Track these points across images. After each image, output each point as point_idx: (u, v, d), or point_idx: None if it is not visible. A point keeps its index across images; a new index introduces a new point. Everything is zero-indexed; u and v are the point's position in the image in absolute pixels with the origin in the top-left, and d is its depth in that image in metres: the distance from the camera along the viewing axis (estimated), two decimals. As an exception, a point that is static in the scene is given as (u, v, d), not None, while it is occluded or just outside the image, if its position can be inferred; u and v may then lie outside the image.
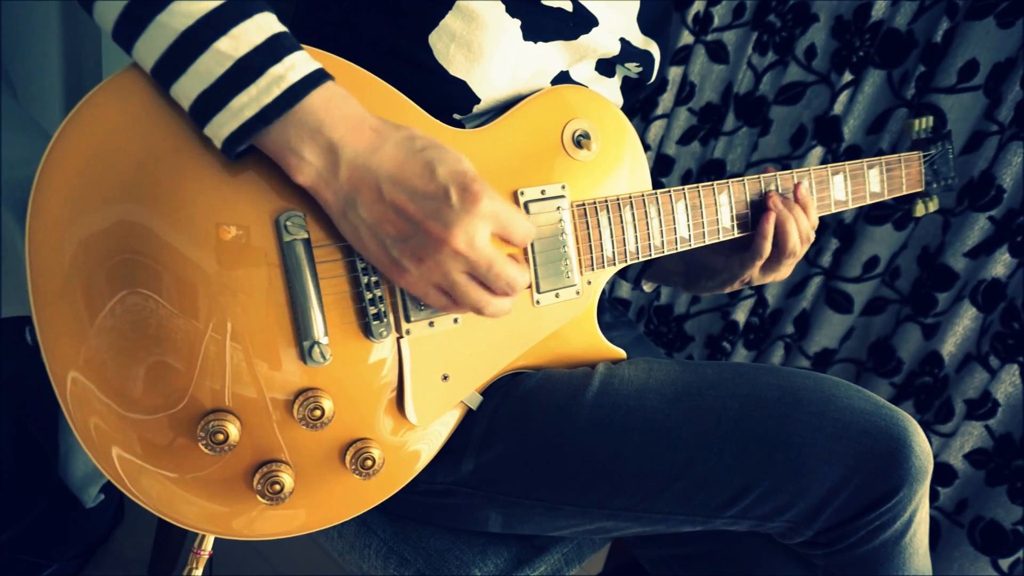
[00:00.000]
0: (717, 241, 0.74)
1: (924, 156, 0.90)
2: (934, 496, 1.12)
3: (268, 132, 0.48)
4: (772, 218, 0.72)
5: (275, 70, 0.47)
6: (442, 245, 0.48)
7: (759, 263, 0.73)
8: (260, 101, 0.47)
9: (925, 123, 0.91)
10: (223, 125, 0.47)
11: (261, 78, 0.47)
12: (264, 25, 0.48)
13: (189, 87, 0.47)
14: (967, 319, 1.07)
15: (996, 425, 1.06)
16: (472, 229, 0.48)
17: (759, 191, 0.75)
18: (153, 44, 0.47)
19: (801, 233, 0.73)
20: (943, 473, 1.11)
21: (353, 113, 0.50)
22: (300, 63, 0.48)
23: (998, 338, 1.04)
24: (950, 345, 1.09)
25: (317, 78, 0.48)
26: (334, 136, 0.48)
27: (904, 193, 0.88)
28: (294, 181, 0.50)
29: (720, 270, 0.78)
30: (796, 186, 0.75)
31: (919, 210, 0.93)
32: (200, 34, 0.46)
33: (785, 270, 0.75)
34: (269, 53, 0.47)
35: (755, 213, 0.75)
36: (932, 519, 1.12)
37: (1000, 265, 1.03)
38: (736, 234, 0.74)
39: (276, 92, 0.47)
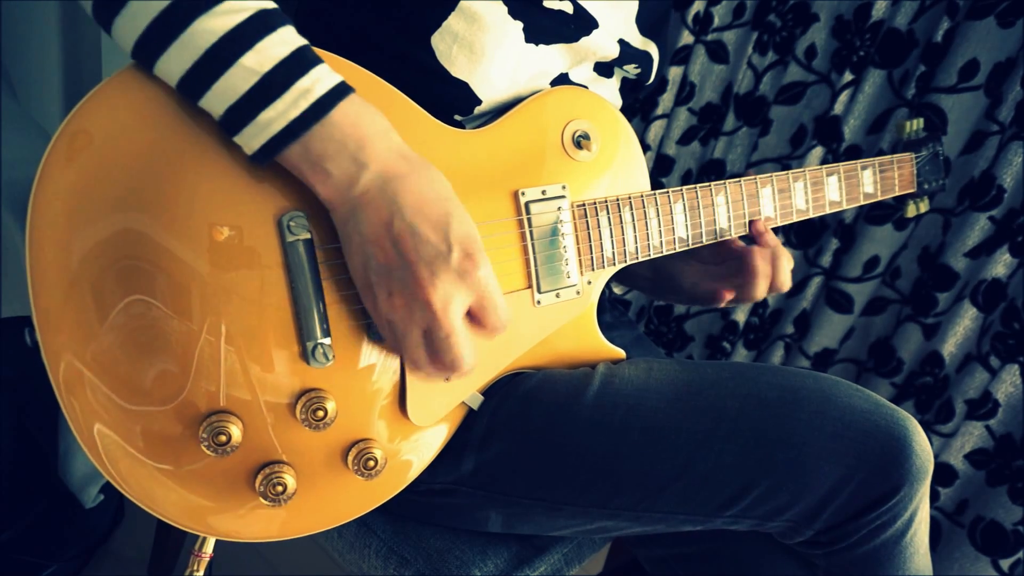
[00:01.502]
0: (715, 241, 0.74)
1: (916, 157, 0.90)
2: (935, 496, 1.12)
3: (294, 146, 0.48)
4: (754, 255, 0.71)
5: (301, 83, 0.47)
6: (419, 292, 0.48)
7: (738, 294, 0.74)
8: (288, 115, 0.47)
9: (916, 124, 0.91)
10: (252, 138, 0.47)
11: (288, 92, 0.47)
12: (288, 39, 0.48)
13: (216, 103, 0.47)
14: (967, 319, 1.07)
15: (997, 425, 1.06)
16: (453, 292, 0.48)
17: (755, 193, 0.75)
18: (176, 62, 0.46)
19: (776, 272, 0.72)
20: (943, 473, 1.11)
21: (381, 132, 0.50)
22: (325, 76, 0.48)
23: (999, 338, 1.04)
24: (951, 345, 1.09)
25: (341, 91, 0.48)
26: (360, 154, 0.48)
27: (897, 194, 0.89)
28: (315, 192, 0.50)
29: (685, 289, 0.78)
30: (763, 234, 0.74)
31: (911, 211, 0.94)
32: (225, 51, 0.46)
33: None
34: (295, 66, 0.47)
35: (752, 206, 0.75)
36: (933, 519, 1.12)
37: (1000, 265, 1.03)
38: (733, 235, 0.75)
39: (304, 105, 0.47)
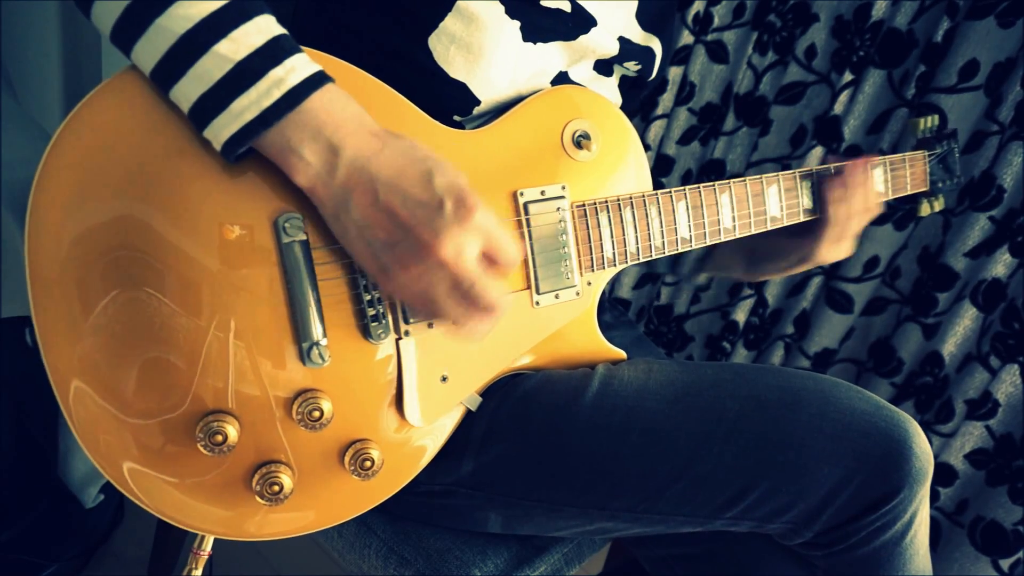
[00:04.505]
0: (718, 241, 0.74)
1: (929, 155, 0.89)
2: (934, 496, 1.12)
3: (268, 134, 0.48)
4: (837, 181, 0.76)
5: (275, 73, 0.47)
6: (429, 254, 0.48)
7: (833, 232, 0.78)
8: (260, 104, 0.47)
9: (930, 122, 0.90)
10: (223, 128, 0.47)
11: (261, 81, 0.47)
12: (264, 27, 0.48)
13: (189, 90, 0.47)
14: (967, 319, 1.07)
15: (996, 425, 1.06)
16: (461, 241, 0.48)
17: (760, 191, 0.75)
18: (152, 47, 0.47)
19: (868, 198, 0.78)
20: (943, 473, 1.11)
21: (354, 116, 0.50)
22: (300, 66, 0.48)
23: (998, 338, 1.04)
24: (950, 345, 1.09)
25: (317, 80, 0.48)
26: (335, 137, 0.48)
27: (909, 193, 0.88)
28: (293, 182, 0.50)
29: (791, 251, 0.81)
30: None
31: (924, 210, 0.92)
32: (200, 37, 0.46)
33: (848, 244, 0.80)
34: (269, 56, 0.47)
35: (757, 206, 0.75)
36: (933, 519, 1.12)
37: (1000, 265, 1.03)
38: (737, 235, 0.74)
39: (276, 95, 0.47)
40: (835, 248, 0.80)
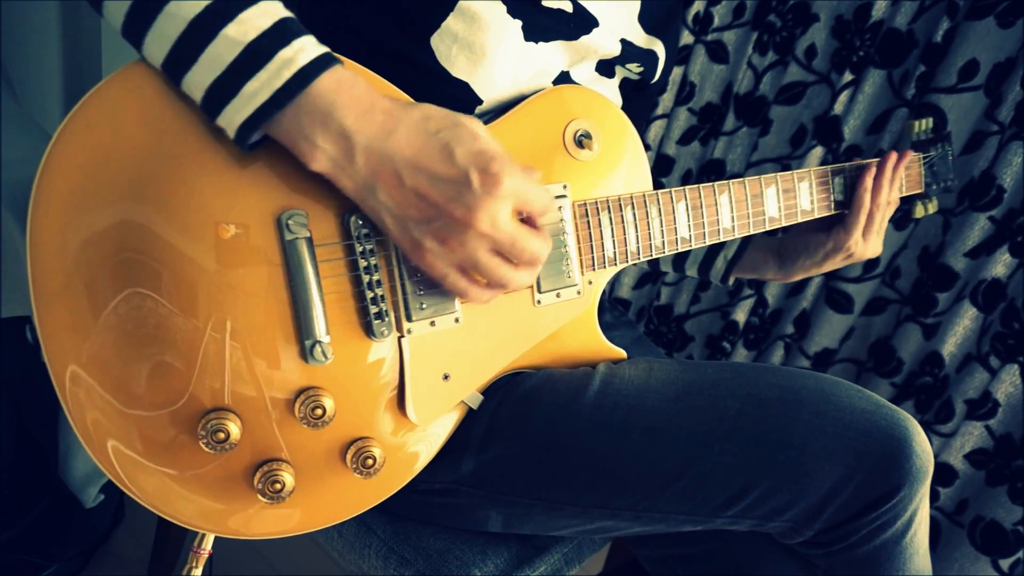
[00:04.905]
0: (718, 241, 0.74)
1: (924, 158, 0.90)
2: (934, 496, 1.12)
3: (280, 119, 0.48)
4: (872, 171, 0.79)
5: (284, 53, 0.47)
6: (466, 228, 0.48)
7: (862, 218, 0.80)
8: (271, 85, 0.47)
9: (925, 124, 0.91)
10: (236, 112, 0.47)
11: (271, 62, 0.47)
12: (270, 10, 0.48)
13: (200, 77, 0.47)
14: (967, 319, 1.07)
15: (996, 425, 1.06)
16: (495, 210, 0.48)
17: (759, 192, 0.75)
18: (163, 36, 0.47)
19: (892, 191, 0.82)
20: (943, 473, 1.11)
21: (363, 95, 0.49)
22: (308, 46, 0.48)
23: (998, 338, 1.04)
24: (950, 345, 1.09)
25: (326, 61, 0.48)
26: (346, 122, 0.48)
27: (904, 195, 0.88)
28: (309, 169, 0.49)
29: (819, 247, 0.82)
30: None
31: (918, 212, 0.93)
32: (208, 22, 0.46)
33: (876, 241, 0.83)
34: (277, 37, 0.47)
35: (755, 206, 0.75)
36: (932, 519, 1.12)
37: (1000, 265, 1.03)
38: (736, 235, 0.75)
39: (287, 75, 0.47)
40: (865, 244, 0.81)
